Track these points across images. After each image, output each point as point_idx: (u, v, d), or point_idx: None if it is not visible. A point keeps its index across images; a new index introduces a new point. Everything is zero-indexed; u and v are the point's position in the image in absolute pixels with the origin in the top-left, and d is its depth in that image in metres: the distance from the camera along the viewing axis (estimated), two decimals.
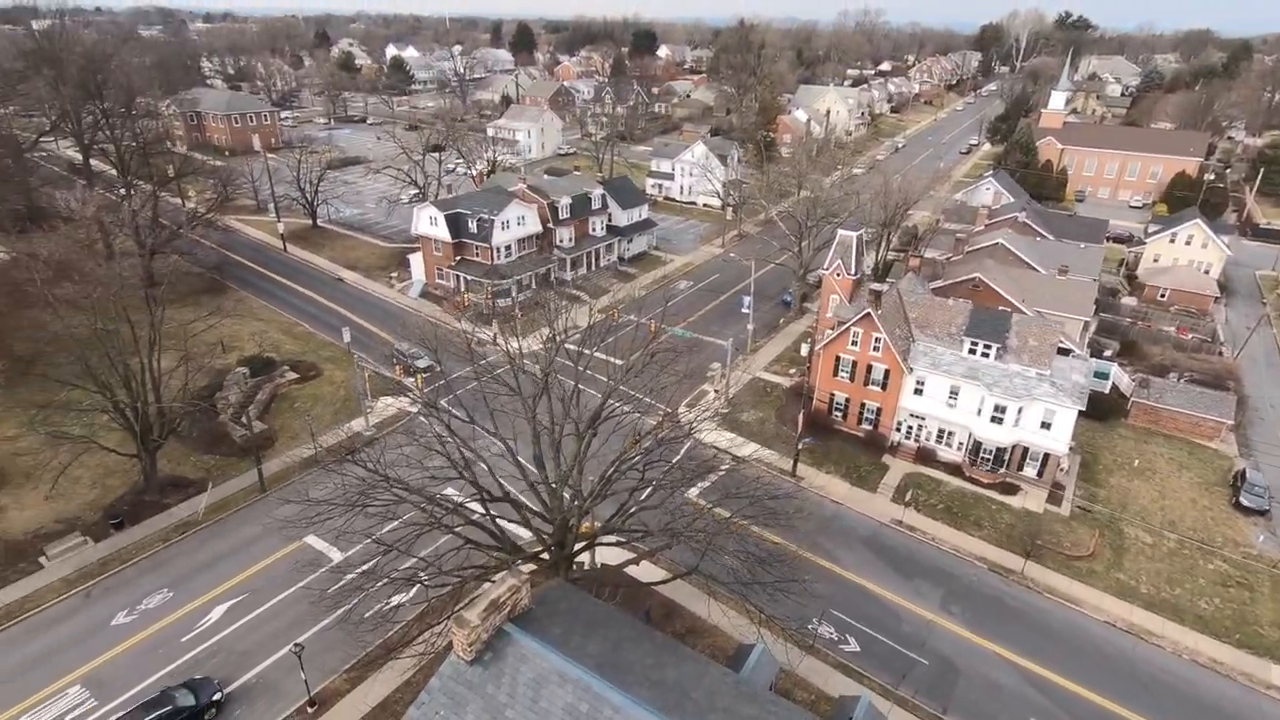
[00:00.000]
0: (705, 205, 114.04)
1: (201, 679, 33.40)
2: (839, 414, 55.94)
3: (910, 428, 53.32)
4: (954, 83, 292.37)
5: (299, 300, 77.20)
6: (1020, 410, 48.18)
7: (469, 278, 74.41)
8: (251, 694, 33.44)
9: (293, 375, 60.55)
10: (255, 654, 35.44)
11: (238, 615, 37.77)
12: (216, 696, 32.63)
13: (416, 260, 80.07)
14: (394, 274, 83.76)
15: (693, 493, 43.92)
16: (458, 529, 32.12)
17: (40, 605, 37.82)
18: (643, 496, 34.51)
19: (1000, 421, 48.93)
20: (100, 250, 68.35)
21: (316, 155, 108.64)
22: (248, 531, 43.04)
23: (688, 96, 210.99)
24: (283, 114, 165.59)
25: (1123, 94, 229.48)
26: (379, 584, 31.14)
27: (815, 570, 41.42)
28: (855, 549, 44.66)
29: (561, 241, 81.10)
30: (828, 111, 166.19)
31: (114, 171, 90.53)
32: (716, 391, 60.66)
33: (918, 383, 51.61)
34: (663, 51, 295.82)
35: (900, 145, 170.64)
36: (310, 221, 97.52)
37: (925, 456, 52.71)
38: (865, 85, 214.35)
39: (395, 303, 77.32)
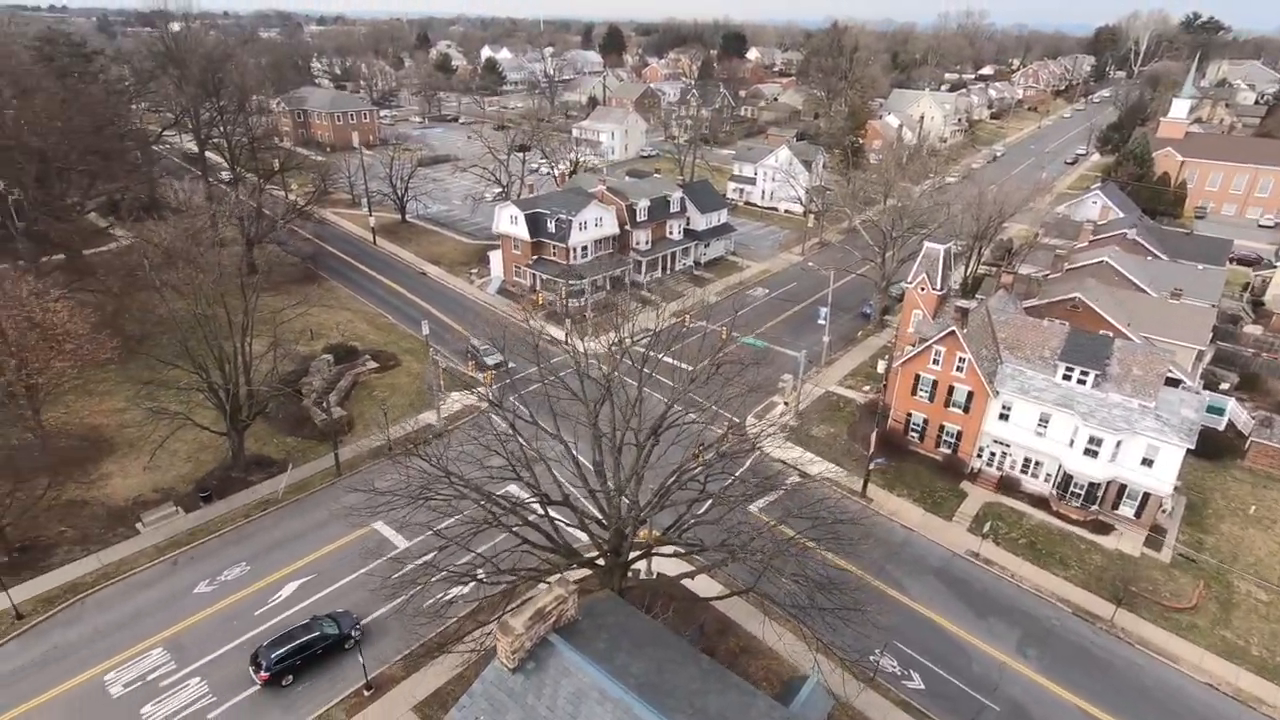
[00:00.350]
0: (786, 211, 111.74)
1: (343, 612, 36.04)
2: (915, 435, 53.35)
3: (993, 454, 50.25)
4: (1062, 88, 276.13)
5: (384, 292, 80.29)
6: (1119, 444, 44.49)
7: (545, 276, 75.41)
8: (313, 672, 34.65)
9: (373, 364, 62.88)
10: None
11: (307, 593, 39.34)
12: (355, 631, 35.33)
13: (496, 257, 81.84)
14: (474, 270, 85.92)
15: (754, 507, 42.73)
16: (515, 529, 32.30)
17: (133, 569, 40.52)
18: (700, 510, 33.76)
19: (1095, 455, 45.34)
20: (208, 238, 73.10)
21: (409, 153, 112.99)
22: (321, 513, 44.78)
23: (775, 100, 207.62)
24: (382, 113, 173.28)
25: (1257, 102, 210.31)
26: (436, 577, 31.68)
27: (880, 598, 39.53)
28: (925, 579, 42.36)
29: (638, 244, 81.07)
30: (921, 117, 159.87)
31: (225, 164, 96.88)
32: (786, 404, 59.04)
33: (1004, 407, 48.55)
34: (752, 54, 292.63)
35: (999, 154, 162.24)
36: (399, 216, 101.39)
37: (1008, 486, 49.53)
38: (964, 90, 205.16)
39: (473, 298, 79.26)
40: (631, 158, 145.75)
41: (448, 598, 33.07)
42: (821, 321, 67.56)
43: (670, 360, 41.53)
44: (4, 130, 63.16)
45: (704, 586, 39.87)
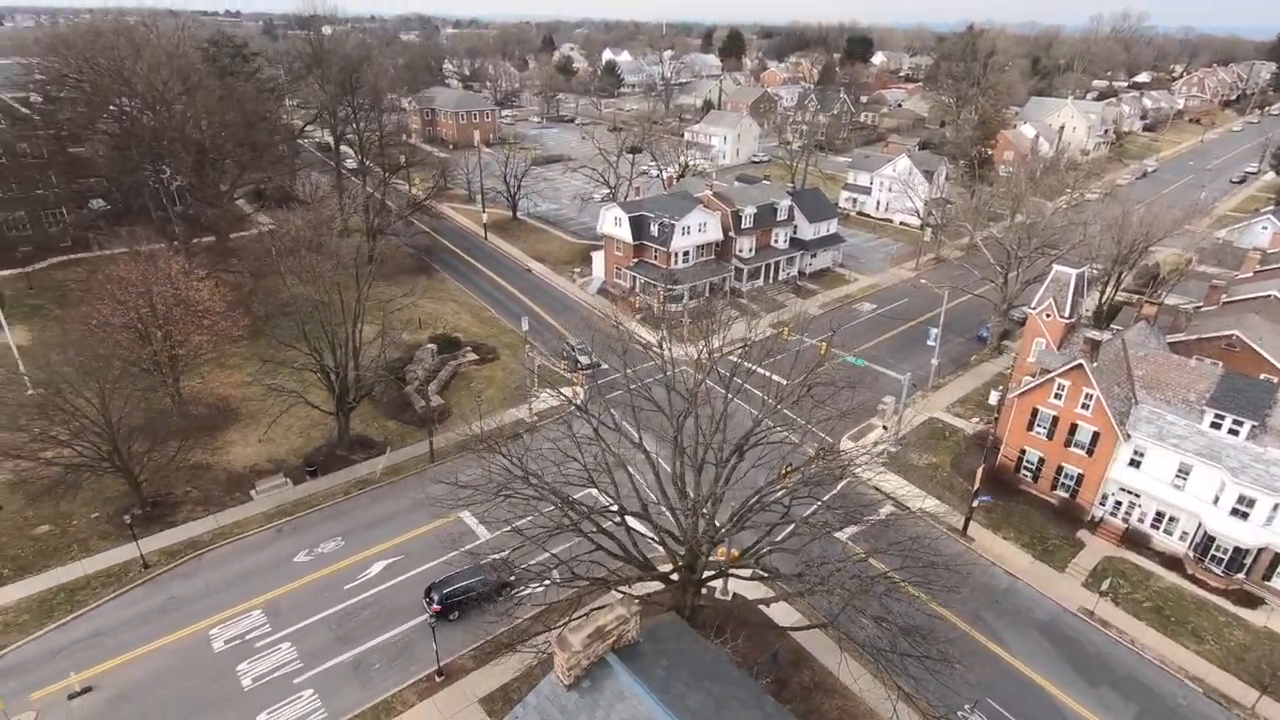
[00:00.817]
0: (902, 223, 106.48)
1: (501, 563, 35.84)
2: (1029, 474, 49.06)
3: (1118, 503, 45.38)
4: (1233, 98, 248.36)
5: (490, 286, 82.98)
6: (1276, 507, 38.93)
7: (644, 279, 75.38)
8: (389, 652, 35.94)
9: (473, 357, 64.98)
10: (399, 615, 38.08)
11: (393, 574, 40.92)
12: (513, 579, 35.77)
13: (599, 258, 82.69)
14: (577, 269, 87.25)
15: (841, 535, 40.54)
16: (591, 534, 32.08)
17: (244, 533, 43.63)
18: (780, 537, 32.28)
19: (1245, 516, 39.90)
20: (335, 227, 78.16)
21: (525, 152, 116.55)
22: (412, 497, 46.49)
23: (898, 106, 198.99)
24: (503, 112, 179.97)
25: None
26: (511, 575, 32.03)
27: (974, 649, 36.46)
28: (1028, 634, 38.72)
29: (741, 251, 79.54)
30: (1061, 127, 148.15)
31: (355, 158, 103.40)
32: (885, 428, 55.93)
33: (1135, 453, 43.69)
34: (877, 58, 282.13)
35: (1150, 169, 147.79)
36: (510, 213, 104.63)
37: (1134, 540, 44.57)
38: (1113, 99, 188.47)
39: (574, 297, 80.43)
40: (742, 163, 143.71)
41: (523, 593, 33.30)
42: (931, 343, 63.64)
43: (763, 373, 40.18)
44: (172, 123, 70.15)
45: (782, 613, 38.30)
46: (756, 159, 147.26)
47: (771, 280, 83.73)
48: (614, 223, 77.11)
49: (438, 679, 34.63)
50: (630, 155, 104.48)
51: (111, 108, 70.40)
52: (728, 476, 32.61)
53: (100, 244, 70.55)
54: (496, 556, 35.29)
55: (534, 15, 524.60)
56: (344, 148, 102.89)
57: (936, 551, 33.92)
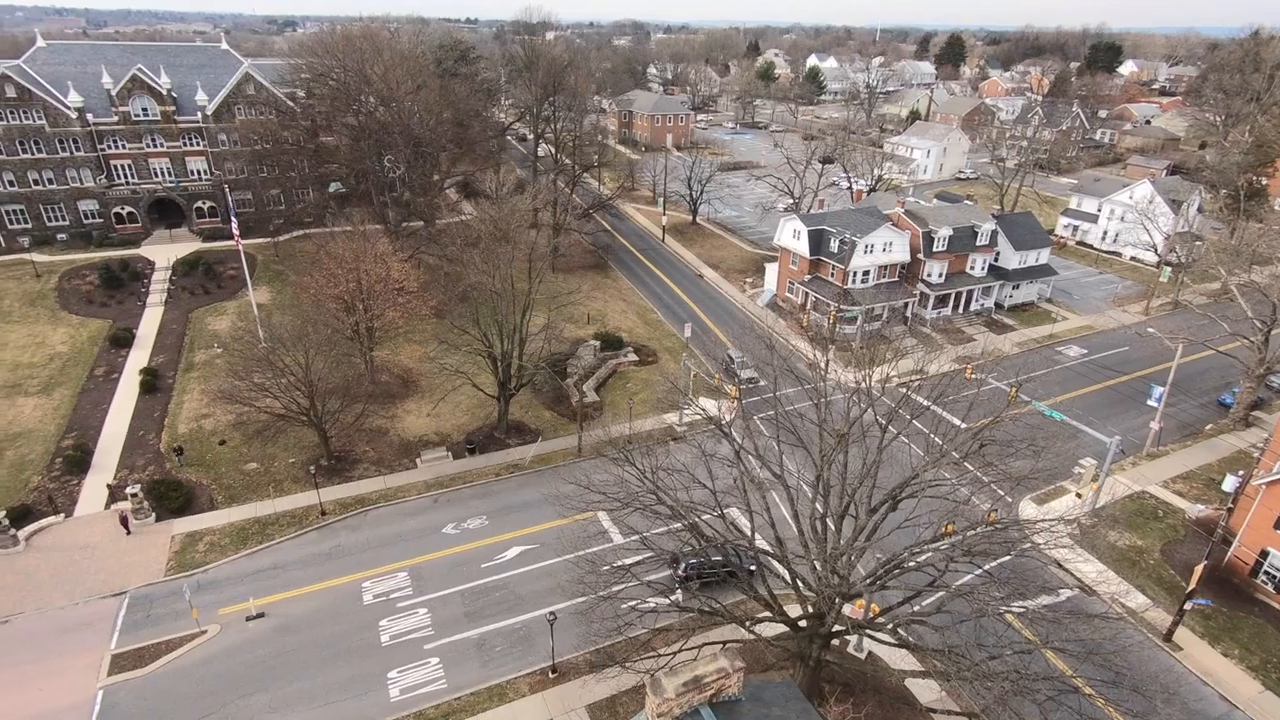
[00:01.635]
0: (1132, 259, 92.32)
1: (745, 546, 34.88)
2: (1269, 581, 39.82)
3: None
4: None
5: (660, 289, 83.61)
6: None
7: (817, 296, 71.78)
8: (511, 638, 36.95)
9: (633, 358, 65.63)
10: (527, 602, 39.08)
11: (526, 561, 42.18)
12: (752, 566, 35.57)
13: (772, 270, 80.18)
14: (749, 279, 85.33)
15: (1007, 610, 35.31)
16: (716, 563, 30.61)
17: (405, 497, 47.28)
18: (927, 602, 28.60)
19: None
20: (525, 220, 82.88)
21: (713, 157, 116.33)
22: (555, 489, 47.60)
23: (1146, 123, 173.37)
24: (698, 117, 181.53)
25: None
26: (634, 584, 31.39)
27: None
28: None
29: (929, 275, 73.08)
30: None
31: (553, 155, 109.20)
32: (1080, 495, 48.29)
33: None
34: (1126, 68, 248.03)
35: None
36: (691, 217, 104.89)
37: None
38: None
39: (742, 308, 78.68)
40: (945, 179, 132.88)
41: (646, 605, 32.63)
42: (1154, 402, 54.14)
43: (936, 410, 36.07)
44: (399, 118, 78.25)
45: (922, 688, 34.22)
46: (963, 176, 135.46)
47: (961, 310, 76.13)
48: (792, 235, 74.23)
49: (551, 675, 34.99)
50: (820, 165, 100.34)
51: (354, 104, 79.98)
52: (873, 529, 29.52)
53: (332, 222, 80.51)
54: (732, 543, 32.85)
55: (743, 22, 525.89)
56: (543, 145, 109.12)
57: (1136, 654, 28.29)
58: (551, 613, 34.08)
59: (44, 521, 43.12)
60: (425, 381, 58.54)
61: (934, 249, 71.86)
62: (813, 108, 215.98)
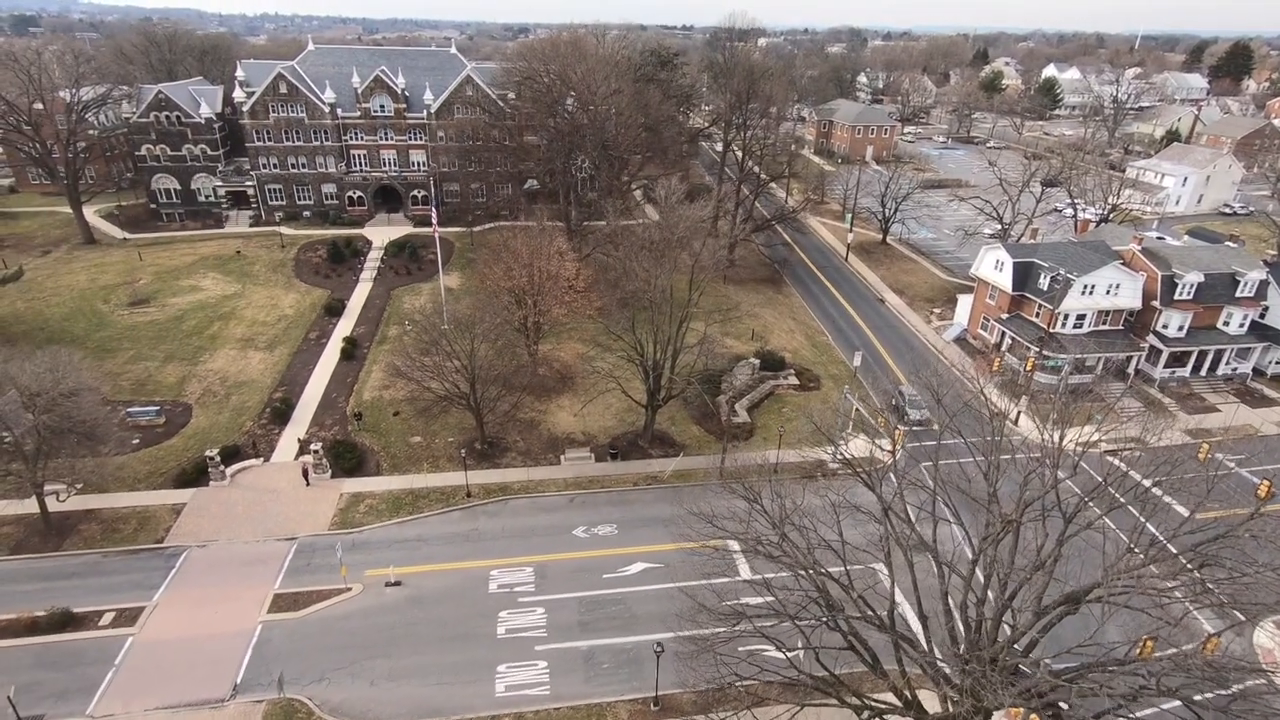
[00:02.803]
0: None
1: None
2: None
3: None
4: None
5: (834, 310, 78.70)
6: None
7: (1015, 337, 63.32)
8: (620, 658, 36.01)
9: (794, 381, 62.13)
10: (641, 624, 37.96)
11: (648, 579, 41.10)
12: None
13: (965, 302, 72.22)
14: (937, 309, 77.70)
15: None
16: (847, 620, 27.33)
17: (545, 492, 48.28)
18: None
19: None
20: (702, 229, 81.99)
21: (916, 172, 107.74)
22: (690, 508, 46.08)
23: None
24: (905, 129, 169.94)
25: None
26: (744, 626, 29.07)
27: None
28: None
29: (1165, 327, 61.54)
30: None
31: (740, 164, 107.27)
32: None
33: None
34: None
35: None
36: (880, 236, 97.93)
37: None
38: None
39: (925, 339, 71.76)
40: (1204, 213, 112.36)
41: (762, 652, 30.08)
42: None
43: (1154, 490, 29.58)
44: (594, 121, 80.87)
45: None
46: (1229, 210, 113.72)
47: (1205, 372, 63.35)
48: (994, 265, 66.15)
49: (653, 708, 33.57)
50: (1041, 189, 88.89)
51: (556, 106, 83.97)
52: (1042, 630, 24.58)
53: (525, 216, 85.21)
54: None
55: (973, 28, 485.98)
56: (734, 152, 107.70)
57: None
58: (659, 644, 32.57)
59: (247, 463, 49.48)
60: (580, 380, 59.61)
61: (1175, 296, 60.35)
62: (1042, 123, 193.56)
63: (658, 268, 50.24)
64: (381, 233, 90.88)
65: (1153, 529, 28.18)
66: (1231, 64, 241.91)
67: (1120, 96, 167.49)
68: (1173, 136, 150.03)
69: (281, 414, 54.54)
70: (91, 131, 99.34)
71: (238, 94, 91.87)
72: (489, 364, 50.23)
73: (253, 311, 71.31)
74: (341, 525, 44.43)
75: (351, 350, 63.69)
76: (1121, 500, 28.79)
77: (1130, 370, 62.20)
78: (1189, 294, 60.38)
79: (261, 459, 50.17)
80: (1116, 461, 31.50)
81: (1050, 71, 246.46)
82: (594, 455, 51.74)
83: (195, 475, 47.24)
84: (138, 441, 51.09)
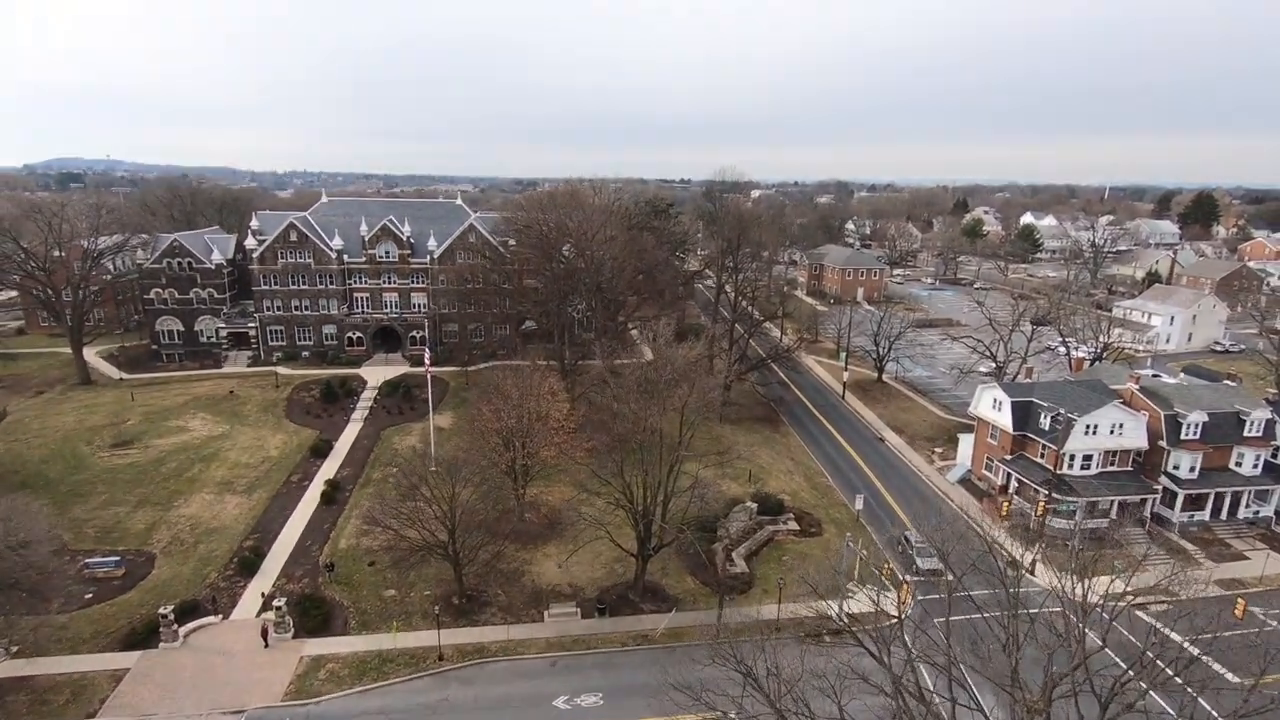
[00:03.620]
0: None
1: None
2: None
3: None
4: None
5: (833, 450, 76.80)
6: None
7: (1022, 479, 60.99)
8: None
9: (794, 526, 59.08)
10: None
11: None
12: None
13: (966, 442, 70.50)
14: (938, 448, 75.79)
15: None
16: None
17: (525, 654, 44.14)
18: None
19: None
20: (705, 366, 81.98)
21: (907, 312, 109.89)
22: (683, 675, 41.88)
23: None
24: (894, 271, 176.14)
25: None
26: None
27: None
28: None
29: (1176, 468, 59.38)
30: None
31: (734, 304, 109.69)
32: None
33: None
34: None
35: None
36: (876, 374, 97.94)
37: None
38: None
39: (927, 480, 69.30)
40: (1196, 350, 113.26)
41: None
42: None
43: (1184, 646, 26.42)
44: (589, 265, 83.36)
45: None
46: (1220, 348, 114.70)
47: (1224, 516, 60.38)
48: (992, 405, 65.15)
49: None
50: (1031, 327, 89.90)
51: (553, 252, 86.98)
52: None
53: (521, 355, 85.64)
54: None
55: (951, 180, 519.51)
56: (728, 292, 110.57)
57: None
58: None
59: (203, 620, 45.73)
60: (569, 526, 56.64)
61: (1181, 436, 58.72)
62: (1025, 265, 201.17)
63: (647, 409, 49.08)
64: (378, 372, 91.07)
65: (1206, 705, 24.81)
66: (1198, 211, 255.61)
67: (1098, 241, 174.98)
68: (1153, 278, 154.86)
69: (250, 564, 51.29)
70: (106, 276, 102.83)
71: (249, 241, 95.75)
72: (472, 509, 47.84)
73: (237, 453, 69.58)
74: (297, 695, 40.12)
75: (332, 494, 61.30)
76: (1167, 670, 25.69)
77: (1146, 514, 59.30)
78: (1195, 434, 58.78)
79: (220, 616, 46.42)
80: (1148, 618, 28.67)
81: (1028, 219, 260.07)
82: (580, 610, 47.95)
83: (145, 635, 43.47)
84: (91, 595, 47.62)
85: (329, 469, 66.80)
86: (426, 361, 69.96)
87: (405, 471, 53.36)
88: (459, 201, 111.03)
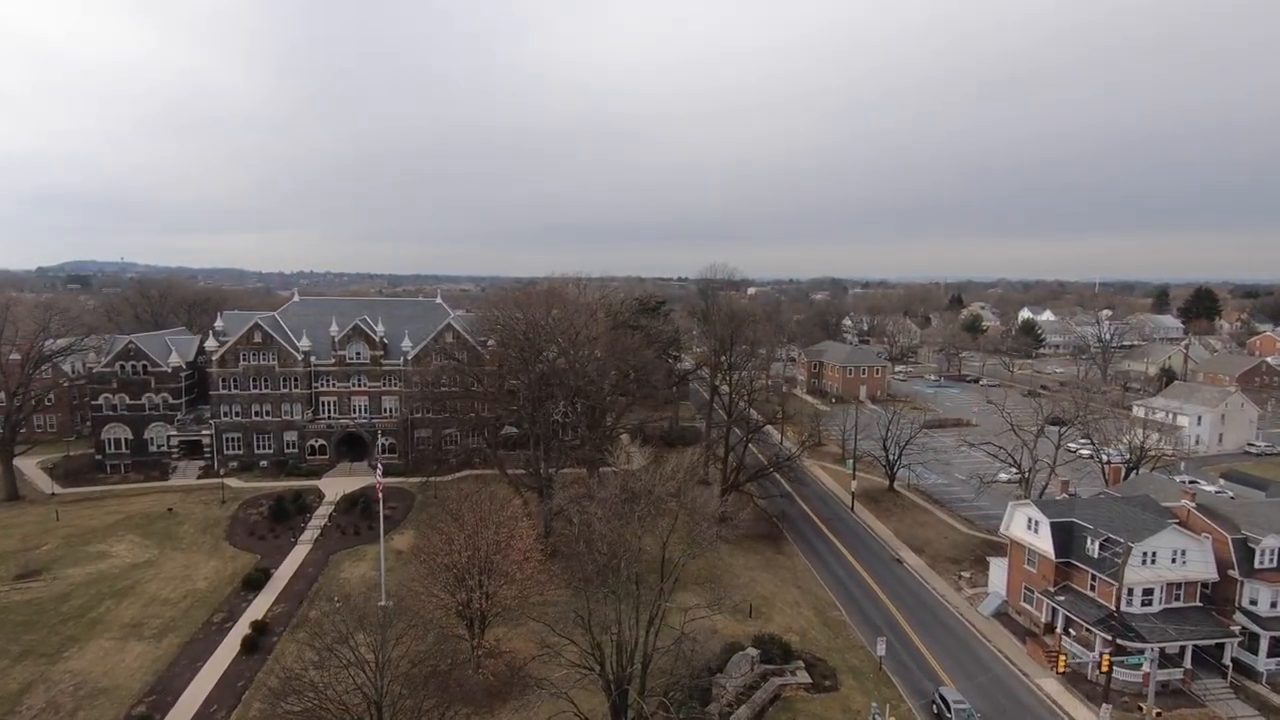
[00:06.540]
0: None
1: None
2: None
3: None
4: None
5: (845, 573, 67.36)
6: None
7: (1071, 615, 51.60)
8: None
9: (804, 679, 49.12)
10: None
11: None
12: None
13: (998, 566, 61.33)
14: (965, 573, 66.35)
15: None
16: None
17: None
18: None
19: None
20: (696, 477, 73.73)
21: (915, 411, 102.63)
22: None
23: None
24: (895, 368, 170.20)
25: None
26: None
27: None
28: None
29: (1253, 603, 50.23)
30: None
31: (728, 406, 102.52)
32: None
33: None
34: None
35: None
36: (887, 483, 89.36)
37: None
38: None
39: (958, 613, 59.62)
40: (1228, 453, 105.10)
41: None
42: None
43: None
44: (571, 366, 76.79)
45: None
46: (1253, 449, 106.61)
47: None
48: (1027, 525, 56.63)
49: None
50: (1052, 427, 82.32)
51: (534, 353, 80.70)
52: None
53: (496, 465, 77.54)
54: None
55: (943, 277, 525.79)
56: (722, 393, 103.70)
57: None
58: None
59: None
60: (534, 685, 46.92)
61: (1256, 565, 49.95)
62: (1031, 361, 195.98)
63: (622, 535, 40.82)
64: (339, 484, 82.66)
65: None
66: (1199, 306, 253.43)
67: (1104, 336, 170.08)
68: (1167, 374, 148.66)
69: None
70: (64, 381, 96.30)
71: (210, 342, 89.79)
72: (420, 659, 38.78)
73: (158, 585, 60.31)
74: None
75: (256, 640, 51.66)
76: None
77: (1226, 661, 49.58)
78: (1272, 561, 50.04)
79: None
80: None
81: (1026, 314, 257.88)
82: None
83: None
84: None
85: (260, 606, 57.30)
86: (378, 478, 61.69)
87: (336, 613, 44.32)
88: (438, 300, 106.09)
